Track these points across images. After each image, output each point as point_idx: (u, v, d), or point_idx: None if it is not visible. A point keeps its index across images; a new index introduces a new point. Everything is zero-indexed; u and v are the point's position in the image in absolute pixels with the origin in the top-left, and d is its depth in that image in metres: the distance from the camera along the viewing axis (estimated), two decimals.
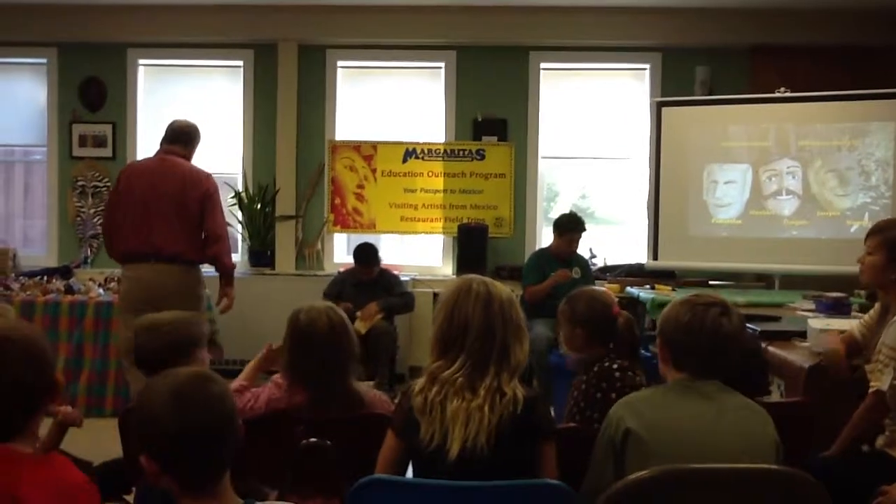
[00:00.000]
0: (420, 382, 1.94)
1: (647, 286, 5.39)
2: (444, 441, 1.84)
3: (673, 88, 6.19)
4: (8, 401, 1.46)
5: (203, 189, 3.97)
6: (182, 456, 1.41)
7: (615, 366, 2.37)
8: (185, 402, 1.42)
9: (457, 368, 1.90)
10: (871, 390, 2.39)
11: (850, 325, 2.87)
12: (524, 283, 5.36)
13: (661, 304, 4.96)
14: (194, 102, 6.53)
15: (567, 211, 5.77)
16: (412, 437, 1.88)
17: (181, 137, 4.13)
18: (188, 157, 4.13)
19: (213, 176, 4.13)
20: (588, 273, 5.47)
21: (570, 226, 5.34)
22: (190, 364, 2.14)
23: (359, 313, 5.17)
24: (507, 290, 2.03)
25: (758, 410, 1.88)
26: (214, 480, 1.45)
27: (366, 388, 2.39)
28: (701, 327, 1.87)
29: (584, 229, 5.37)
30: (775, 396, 2.93)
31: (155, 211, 3.93)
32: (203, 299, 4.11)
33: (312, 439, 2.10)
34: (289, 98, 6.39)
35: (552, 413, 2.20)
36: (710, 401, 1.83)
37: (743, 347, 1.99)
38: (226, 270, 4.10)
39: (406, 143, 6.42)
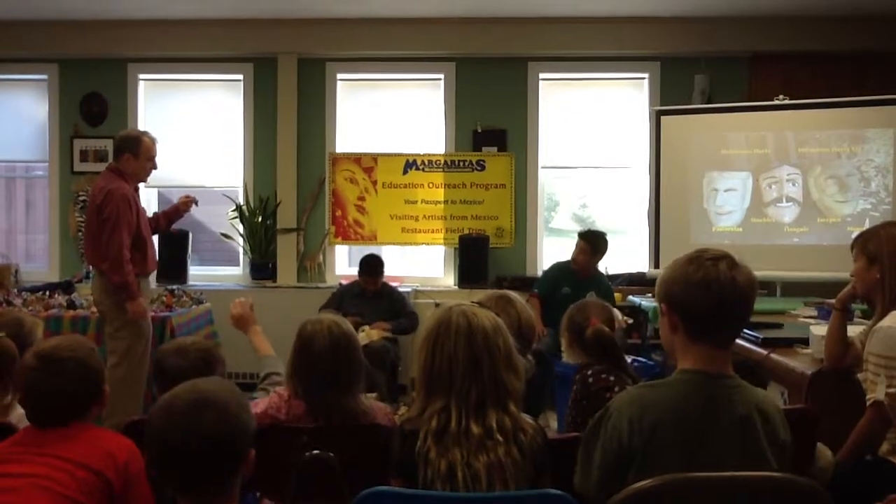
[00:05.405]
0: (420, 439, 1.80)
1: (649, 295, 5.38)
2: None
3: (672, 97, 6.21)
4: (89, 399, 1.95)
5: (96, 204, 4.10)
6: (166, 468, 1.49)
7: (590, 371, 2.49)
8: (174, 423, 1.47)
9: (458, 417, 1.80)
10: (868, 402, 2.38)
11: (853, 331, 2.87)
12: (534, 287, 5.51)
13: None
14: (195, 116, 6.57)
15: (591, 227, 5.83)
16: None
17: (113, 150, 4.36)
18: (120, 167, 4.22)
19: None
20: (606, 298, 5.44)
21: (582, 234, 5.46)
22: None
23: (366, 327, 5.17)
24: (490, 317, 1.90)
25: (770, 415, 1.75)
26: (204, 494, 1.50)
27: (368, 400, 2.39)
28: (716, 283, 1.65)
29: (594, 245, 5.34)
30: (778, 404, 2.92)
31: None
32: (116, 307, 4.10)
33: (315, 451, 2.10)
34: (289, 111, 6.41)
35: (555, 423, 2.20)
36: (723, 405, 1.69)
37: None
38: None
39: (406, 155, 6.44)
